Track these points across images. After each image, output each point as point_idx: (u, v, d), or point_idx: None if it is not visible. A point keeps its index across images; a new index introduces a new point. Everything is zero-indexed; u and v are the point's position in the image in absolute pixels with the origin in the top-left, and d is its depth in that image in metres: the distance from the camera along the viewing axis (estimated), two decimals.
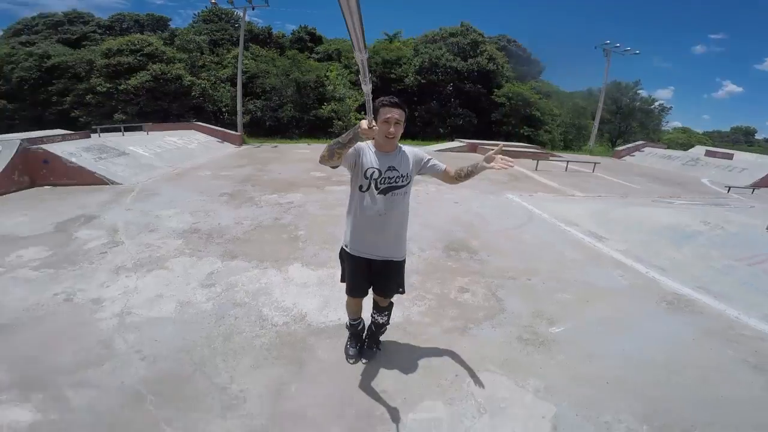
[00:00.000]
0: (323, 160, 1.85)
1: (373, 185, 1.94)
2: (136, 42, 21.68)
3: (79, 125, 20.52)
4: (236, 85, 23.41)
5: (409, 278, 3.27)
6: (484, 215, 5.55)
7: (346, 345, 2.41)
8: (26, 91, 21.10)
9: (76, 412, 1.84)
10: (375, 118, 1.80)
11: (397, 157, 1.96)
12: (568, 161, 12.19)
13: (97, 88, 20.63)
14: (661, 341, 2.61)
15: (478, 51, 24.19)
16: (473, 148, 15.75)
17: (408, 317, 2.75)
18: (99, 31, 28.65)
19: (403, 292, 2.20)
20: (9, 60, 21.27)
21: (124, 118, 20.92)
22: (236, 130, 17.06)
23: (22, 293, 2.94)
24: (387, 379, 2.15)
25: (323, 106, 20.22)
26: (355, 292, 2.17)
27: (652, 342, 2.60)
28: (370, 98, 1.52)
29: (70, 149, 8.39)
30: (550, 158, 13.46)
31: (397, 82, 23.93)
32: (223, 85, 24.17)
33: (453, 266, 3.64)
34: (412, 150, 2.04)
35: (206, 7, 28.54)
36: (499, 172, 9.70)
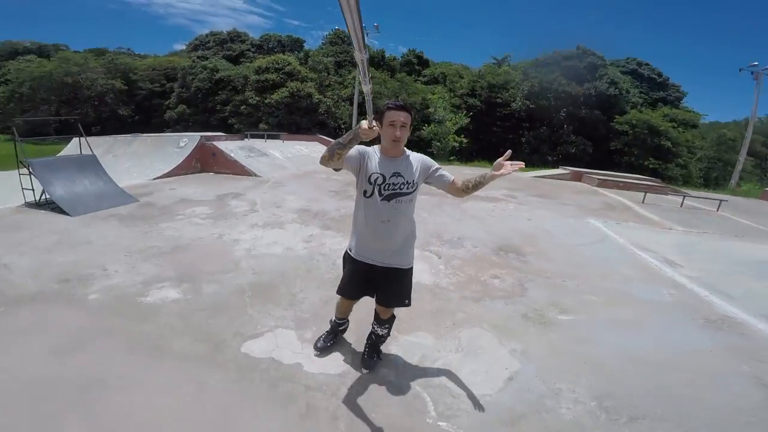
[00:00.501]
0: (323, 160, 1.87)
1: (376, 191, 1.92)
2: (279, 61, 26.32)
3: (233, 131, 25.52)
4: (353, 104, 26.57)
5: (451, 261, 3.99)
6: (552, 231, 5.81)
7: (319, 337, 2.46)
8: (199, 99, 27.20)
9: (203, 296, 3.09)
10: (380, 122, 1.86)
11: (403, 162, 1.95)
12: (684, 196, 10.99)
13: (249, 100, 25.53)
14: (671, 346, 2.77)
15: (596, 75, 22.82)
16: (577, 177, 15.01)
17: (437, 283, 3.49)
18: (252, 49, 34.73)
19: (408, 305, 2.15)
20: (190, 72, 27.73)
21: (266, 127, 25.38)
22: None
23: (193, 231, 4.57)
24: (398, 312, 2.95)
25: (424, 128, 21.46)
26: (347, 292, 2.16)
27: (660, 345, 2.78)
28: (371, 98, 1.58)
29: (230, 147, 11.05)
30: (668, 193, 12.20)
31: (503, 106, 23.97)
32: (344, 103, 27.30)
33: (496, 261, 4.21)
34: (419, 157, 2.03)
35: (332, 30, 32.68)
36: (592, 201, 9.46)
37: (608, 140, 22.59)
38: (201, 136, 10.82)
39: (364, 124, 1.66)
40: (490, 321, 2.91)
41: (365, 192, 1.95)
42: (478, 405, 2.05)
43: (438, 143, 20.31)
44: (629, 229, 6.49)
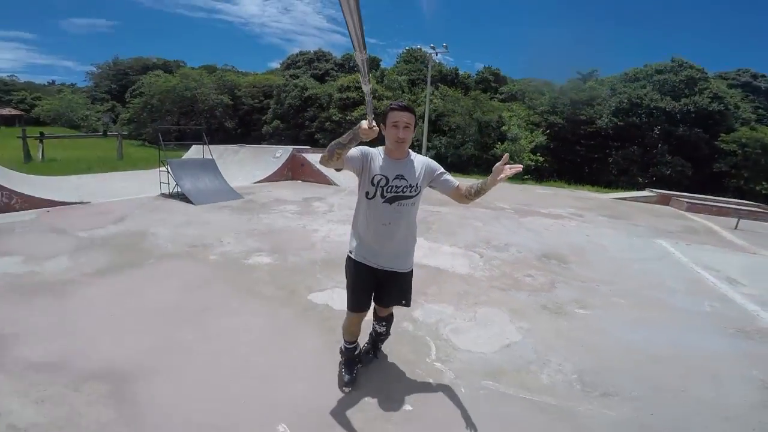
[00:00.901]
0: (323, 160, 1.89)
1: (379, 193, 1.93)
2: (358, 80, 28.39)
3: (318, 145, 28.01)
4: (426, 121, 27.39)
5: (491, 261, 4.52)
6: (608, 247, 5.87)
7: (341, 371, 2.30)
8: (291, 115, 30.44)
9: (287, 263, 4.10)
10: (383, 123, 1.89)
11: (407, 165, 1.95)
12: None
13: (333, 117, 27.95)
14: (682, 347, 2.93)
15: (695, 89, 20.67)
16: (665, 200, 13.83)
17: (471, 274, 4.07)
18: (335, 68, 37.48)
19: (406, 305, 2.20)
20: (283, 89, 31.19)
21: None
22: None
23: (284, 221, 5.77)
24: (429, 286, 3.58)
25: (497, 146, 21.33)
26: (357, 305, 2.13)
27: (670, 344, 2.96)
28: (371, 98, 1.58)
29: (316, 159, 12.60)
30: None
31: (588, 124, 22.82)
32: (418, 120, 28.46)
33: (535, 264, 4.61)
34: (423, 160, 2.02)
35: (405, 48, 33.83)
36: (671, 224, 8.98)
37: (712, 161, 20.20)
38: (293, 149, 12.62)
39: (364, 123, 1.70)
40: (509, 305, 3.42)
41: (367, 193, 1.95)
42: (471, 358, 2.60)
43: (511, 162, 20.18)
44: (699, 250, 6.22)
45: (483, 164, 22.88)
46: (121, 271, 3.70)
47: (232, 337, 2.71)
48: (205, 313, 3.02)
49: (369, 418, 2.03)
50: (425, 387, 2.30)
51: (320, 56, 38.73)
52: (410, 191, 1.93)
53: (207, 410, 2.01)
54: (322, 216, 6.51)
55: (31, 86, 53.97)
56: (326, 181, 11.33)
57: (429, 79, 21.81)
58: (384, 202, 1.93)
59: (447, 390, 2.27)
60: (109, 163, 14.19)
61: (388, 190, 1.92)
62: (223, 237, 4.88)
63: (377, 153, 1.97)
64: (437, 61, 35.71)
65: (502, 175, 1.76)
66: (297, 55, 39.82)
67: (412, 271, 2.16)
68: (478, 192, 1.89)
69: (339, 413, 2.04)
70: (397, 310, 2.39)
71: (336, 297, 3.35)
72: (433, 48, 21.10)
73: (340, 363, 2.32)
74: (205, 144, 9.14)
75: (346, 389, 2.20)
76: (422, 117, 27.40)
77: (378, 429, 1.96)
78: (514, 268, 4.39)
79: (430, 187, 2.03)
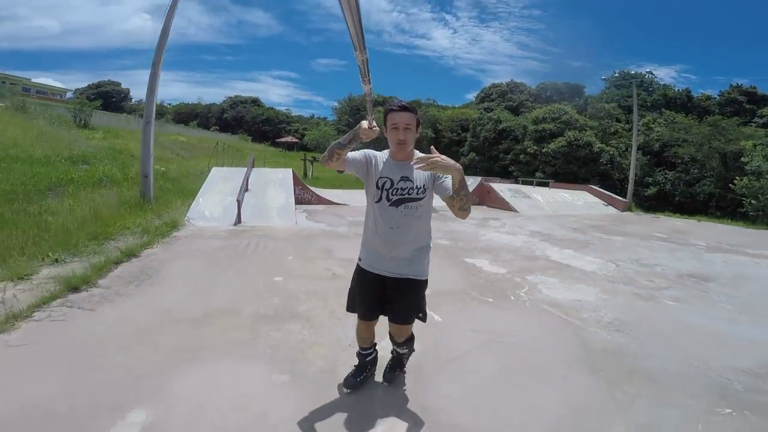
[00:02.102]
0: (323, 160, 1.93)
1: (384, 196, 1.94)
2: (555, 111, 28.53)
3: (511, 177, 29.56)
4: (647, 153, 24.91)
5: (624, 269, 5.76)
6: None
7: (349, 373, 2.32)
8: (485, 148, 33.01)
9: (458, 248, 6.50)
10: (384, 126, 1.93)
11: (412, 166, 1.89)
12: None
13: (527, 149, 29.01)
14: (747, 340, 3.79)
15: None
16: None
17: (596, 271, 5.49)
18: (530, 99, 38.09)
19: (422, 319, 2.13)
20: (478, 123, 34.11)
21: (542, 176, 27.97)
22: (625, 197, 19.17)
23: (463, 227, 8.32)
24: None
25: (735, 181, 17.60)
26: (358, 307, 2.15)
27: (739, 336, 3.73)
28: (371, 98, 1.63)
29: (501, 188, 14.91)
30: None
31: None
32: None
33: (672, 279, 5.54)
34: None
35: (615, 71, 30.93)
36: None
37: None
38: (481, 179, 15.30)
39: (365, 123, 1.76)
40: (611, 291, 4.81)
41: (374, 197, 1.98)
42: (547, 298, 4.31)
43: (754, 201, 16.39)
44: None
45: (727, 206, 19.38)
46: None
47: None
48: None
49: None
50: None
51: (513, 87, 40.34)
52: (417, 193, 1.93)
53: None
54: (492, 228, 8.76)
55: (301, 119, 74.38)
56: (507, 206, 13.40)
57: (635, 106, 20.67)
58: (390, 205, 1.94)
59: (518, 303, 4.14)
60: (354, 183, 20.06)
61: (394, 193, 1.93)
62: None
63: (382, 156, 2.01)
64: (660, 82, 31.88)
65: (430, 161, 1.63)
66: (490, 87, 42.54)
67: (426, 281, 2.10)
68: (455, 192, 1.78)
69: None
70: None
71: (483, 264, 5.52)
72: (650, 72, 20.04)
73: (353, 366, 2.34)
74: None
75: (346, 390, 2.23)
76: (643, 148, 24.92)
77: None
78: (641, 275, 5.48)
79: (433, 190, 1.96)
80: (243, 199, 7.66)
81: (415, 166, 1.70)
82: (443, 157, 1.66)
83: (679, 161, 23.18)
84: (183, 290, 3.75)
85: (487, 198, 14.65)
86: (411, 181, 1.93)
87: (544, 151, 28.28)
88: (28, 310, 2.90)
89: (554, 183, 21.18)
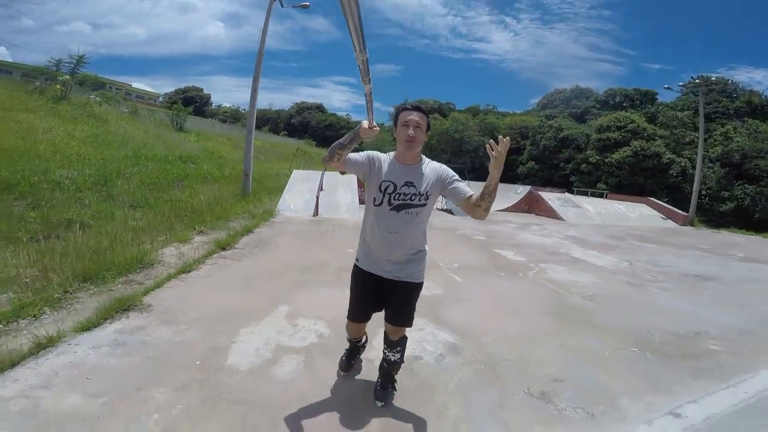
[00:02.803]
0: (324, 160, 1.97)
1: (386, 200, 1.97)
2: (621, 119, 27.82)
3: (572, 188, 29.27)
4: (726, 165, 23.57)
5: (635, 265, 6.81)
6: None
7: (341, 357, 2.52)
8: (545, 156, 32.91)
9: (492, 240, 7.86)
10: (394, 125, 2.00)
11: (417, 171, 1.97)
12: None
13: (590, 158, 28.65)
14: (705, 319, 4.79)
15: None
16: None
17: (605, 266, 6.59)
18: (597, 105, 36.69)
19: (408, 326, 2.18)
20: (539, 130, 33.99)
21: (604, 187, 27.56)
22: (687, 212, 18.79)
23: (502, 228, 9.67)
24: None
25: None
26: (357, 315, 2.23)
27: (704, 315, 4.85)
28: (371, 98, 1.66)
29: (550, 197, 15.77)
30: None
31: None
32: (711, 165, 24.35)
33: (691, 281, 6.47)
34: (437, 167, 2.03)
35: (694, 76, 28.91)
36: None
37: None
38: (531, 188, 16.27)
39: (365, 123, 1.82)
40: (609, 278, 5.93)
41: (374, 200, 2.01)
42: (555, 277, 5.57)
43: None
44: None
45: None
46: None
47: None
48: (327, 234, 7.26)
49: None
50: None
51: (578, 94, 39.42)
52: (418, 199, 1.96)
53: None
54: (530, 231, 9.95)
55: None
56: (554, 215, 14.30)
57: (701, 113, 19.98)
58: (391, 209, 1.97)
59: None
60: None
61: (396, 197, 1.96)
62: (466, 228, 9.26)
63: (386, 158, 2.04)
64: (747, 89, 29.74)
65: (494, 154, 1.70)
66: (552, 93, 41.97)
67: (422, 284, 2.15)
68: (486, 195, 1.85)
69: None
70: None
71: (504, 252, 6.86)
72: (731, 81, 19.25)
73: (345, 349, 2.55)
74: (467, 179, 14.18)
75: (342, 373, 2.45)
76: (720, 160, 23.27)
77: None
78: (647, 272, 6.48)
79: (443, 196, 2.04)
80: (320, 196, 9.67)
81: (494, 155, 1.71)
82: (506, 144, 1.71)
83: (762, 174, 21.87)
84: (289, 252, 5.68)
85: (535, 207, 15.58)
86: (415, 186, 1.96)
87: (607, 161, 27.79)
88: (201, 258, 4.88)
89: (612, 194, 21.26)
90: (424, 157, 2.05)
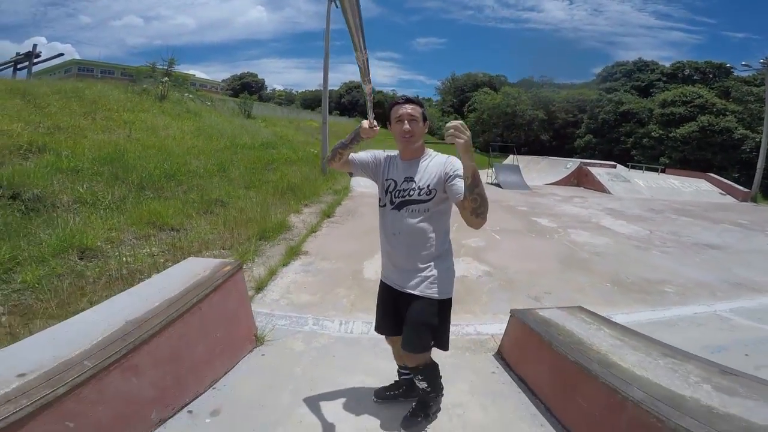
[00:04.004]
0: (327, 161, 2.04)
1: (388, 199, 1.94)
2: (688, 94, 27.21)
3: (633, 162, 29.16)
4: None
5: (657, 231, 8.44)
6: None
7: (383, 386, 2.45)
8: (605, 130, 32.88)
9: (535, 210, 9.70)
10: (389, 123, 1.95)
11: (418, 165, 1.89)
12: None
13: (652, 133, 28.49)
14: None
15: None
16: None
17: (627, 232, 8.25)
18: (663, 78, 35.48)
19: (443, 347, 2.03)
20: (597, 104, 33.73)
21: (667, 161, 27.44)
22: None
23: (544, 201, 11.42)
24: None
25: None
26: (379, 327, 2.17)
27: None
28: (371, 98, 1.71)
29: (600, 172, 16.95)
30: None
31: None
32: None
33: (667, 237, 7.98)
34: (443, 159, 1.87)
35: None
36: None
37: None
38: (580, 162, 17.49)
39: (365, 123, 1.83)
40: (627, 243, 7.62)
41: (380, 200, 2.00)
42: (574, 237, 7.37)
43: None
44: None
45: None
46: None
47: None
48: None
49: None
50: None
51: (642, 66, 38.31)
52: (419, 194, 1.86)
53: None
54: (572, 204, 11.56)
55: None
56: (602, 189, 15.56)
57: None
58: (393, 208, 1.92)
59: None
60: None
61: (397, 195, 1.90)
62: (511, 200, 11.09)
63: (392, 157, 2.03)
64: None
65: (450, 140, 1.51)
66: (613, 66, 41.05)
67: (442, 302, 1.93)
68: (469, 190, 1.61)
69: None
70: None
71: (540, 219, 8.67)
72: None
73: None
74: (515, 155, 15.78)
75: (374, 399, 2.38)
76: None
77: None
78: (662, 240, 8.04)
79: (446, 191, 1.84)
80: None
81: (445, 133, 1.50)
82: (461, 126, 1.49)
83: None
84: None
85: (584, 180, 16.82)
86: (414, 181, 1.87)
87: (671, 135, 27.57)
88: (319, 223, 7.32)
89: (671, 170, 21.58)
90: (430, 150, 1.97)
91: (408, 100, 1.90)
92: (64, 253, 4.33)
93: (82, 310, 2.95)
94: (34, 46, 17.56)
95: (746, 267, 6.39)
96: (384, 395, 2.37)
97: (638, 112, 30.53)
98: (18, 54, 17.17)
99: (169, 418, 2.08)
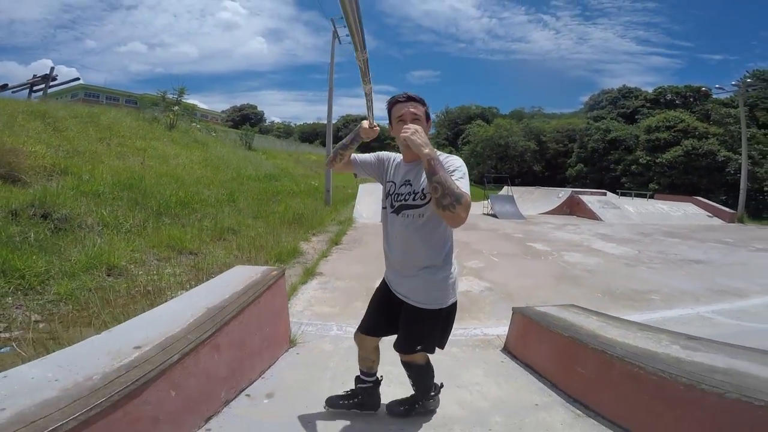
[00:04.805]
0: (328, 162, 2.06)
1: (389, 202, 1.92)
2: (670, 119, 28.55)
3: (623, 189, 30.06)
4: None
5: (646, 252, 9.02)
6: None
7: (337, 394, 2.34)
8: (595, 158, 33.98)
9: (530, 236, 10.26)
10: (390, 123, 1.89)
11: (417, 168, 1.83)
12: None
13: (640, 160, 29.58)
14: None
15: None
16: None
17: (611, 252, 8.80)
18: (647, 104, 36.95)
19: (429, 350, 2.00)
20: (586, 133, 35.04)
21: (656, 187, 28.36)
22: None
23: (538, 228, 12.07)
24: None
25: None
26: (366, 324, 2.16)
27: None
28: (371, 98, 1.70)
29: (590, 200, 17.69)
30: None
31: None
32: None
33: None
34: (443, 160, 1.73)
35: (746, 73, 28.48)
36: None
37: None
38: (572, 191, 18.28)
39: (365, 123, 1.86)
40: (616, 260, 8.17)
41: (383, 204, 1.99)
42: (568, 259, 7.89)
43: None
44: None
45: None
46: (469, 230, 11.15)
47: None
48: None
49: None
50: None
51: (626, 93, 39.95)
52: (414, 198, 1.81)
53: None
54: (565, 231, 12.15)
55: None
56: (593, 216, 16.25)
57: (742, 113, 20.68)
58: (392, 212, 1.90)
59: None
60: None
61: (396, 199, 1.88)
62: (507, 229, 11.66)
63: (395, 159, 2.00)
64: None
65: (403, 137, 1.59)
66: (599, 94, 42.65)
67: (437, 312, 1.88)
68: (432, 184, 1.57)
69: None
70: None
71: (534, 244, 9.22)
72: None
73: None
74: (509, 185, 16.54)
75: (324, 407, 2.28)
76: None
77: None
78: (649, 258, 8.58)
79: None
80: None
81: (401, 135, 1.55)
82: (415, 127, 1.60)
83: None
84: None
85: (576, 209, 17.54)
86: (411, 184, 1.83)
87: (658, 161, 28.60)
88: (328, 249, 7.82)
89: (659, 195, 22.47)
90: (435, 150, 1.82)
91: (410, 98, 1.85)
92: (93, 270, 4.70)
93: (115, 319, 3.41)
94: (51, 69, 18.59)
95: (728, 277, 6.97)
96: (336, 403, 2.31)
97: (625, 139, 31.66)
98: (35, 76, 18.03)
99: (232, 399, 2.47)
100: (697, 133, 27.64)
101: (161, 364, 1.84)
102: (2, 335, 3.26)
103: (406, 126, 1.69)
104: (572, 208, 17.79)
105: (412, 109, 1.82)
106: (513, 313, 3.44)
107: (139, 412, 1.67)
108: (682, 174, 27.56)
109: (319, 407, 2.39)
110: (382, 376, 2.35)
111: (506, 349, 3.45)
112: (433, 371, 2.22)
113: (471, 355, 3.42)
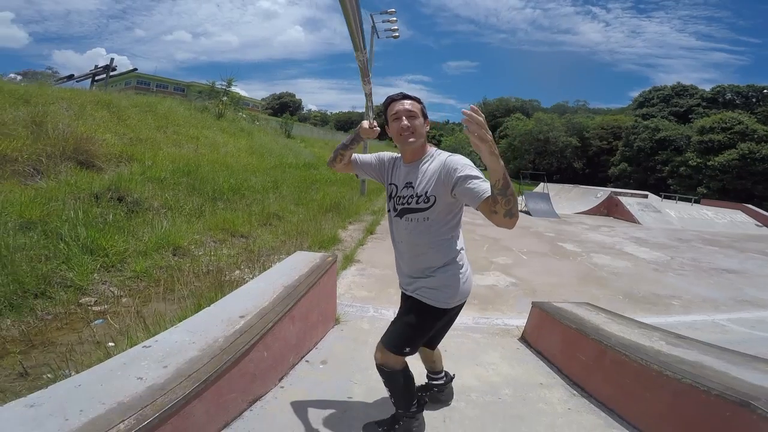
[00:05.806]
0: (329, 162, 2.09)
1: (392, 206, 1.93)
2: (727, 120, 27.12)
3: (669, 192, 28.96)
4: None
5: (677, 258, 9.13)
6: None
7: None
8: (640, 158, 32.80)
9: (560, 235, 10.52)
10: (386, 123, 1.91)
11: (420, 169, 1.80)
12: None
13: (689, 162, 28.39)
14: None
15: None
16: None
17: (639, 255, 8.96)
18: (703, 103, 35.10)
19: (396, 352, 1.91)
20: (633, 131, 33.75)
21: (704, 191, 27.27)
22: None
23: (572, 228, 12.26)
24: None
25: None
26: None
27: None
28: (371, 98, 2.32)
29: (630, 202, 17.49)
30: None
31: None
32: None
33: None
34: (443, 159, 1.73)
35: None
36: None
37: None
38: (611, 191, 18.11)
39: (365, 123, 1.90)
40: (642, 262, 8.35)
41: (386, 205, 1.98)
42: (593, 252, 8.16)
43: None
44: None
45: None
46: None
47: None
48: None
49: None
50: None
51: (680, 91, 38.02)
52: (417, 202, 1.78)
53: None
54: (599, 232, 12.26)
55: (437, 125, 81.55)
56: (632, 219, 16.10)
57: None
58: (396, 216, 1.90)
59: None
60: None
61: (398, 202, 1.87)
62: (540, 227, 11.92)
63: (396, 160, 1.98)
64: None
65: (471, 132, 1.33)
66: (650, 91, 40.61)
67: (440, 310, 1.88)
68: (498, 193, 1.44)
69: None
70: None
71: (565, 245, 9.48)
72: None
73: None
74: (545, 182, 16.60)
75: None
76: None
77: None
78: (681, 264, 8.69)
79: (457, 198, 1.70)
80: None
81: (463, 122, 1.33)
82: (483, 122, 1.32)
83: None
84: None
85: (614, 210, 17.39)
86: (413, 187, 1.80)
87: (709, 164, 27.36)
88: (365, 238, 8.46)
89: (705, 200, 21.71)
90: (433, 149, 1.86)
91: (405, 96, 1.84)
92: (162, 250, 5.45)
93: (184, 296, 4.07)
94: (111, 59, 20.30)
95: (759, 288, 7.09)
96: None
97: (675, 140, 30.35)
98: (96, 67, 19.73)
99: (296, 364, 3.12)
100: (756, 136, 26.18)
101: (262, 329, 2.44)
102: (95, 308, 3.88)
103: (470, 114, 1.33)
104: (610, 210, 17.63)
105: (407, 107, 1.81)
106: (532, 307, 3.94)
107: (248, 368, 2.31)
108: (735, 179, 26.32)
109: (363, 374, 3.02)
110: (454, 374, 2.66)
111: (523, 338, 3.96)
112: (412, 381, 2.10)
113: (491, 341, 3.96)
